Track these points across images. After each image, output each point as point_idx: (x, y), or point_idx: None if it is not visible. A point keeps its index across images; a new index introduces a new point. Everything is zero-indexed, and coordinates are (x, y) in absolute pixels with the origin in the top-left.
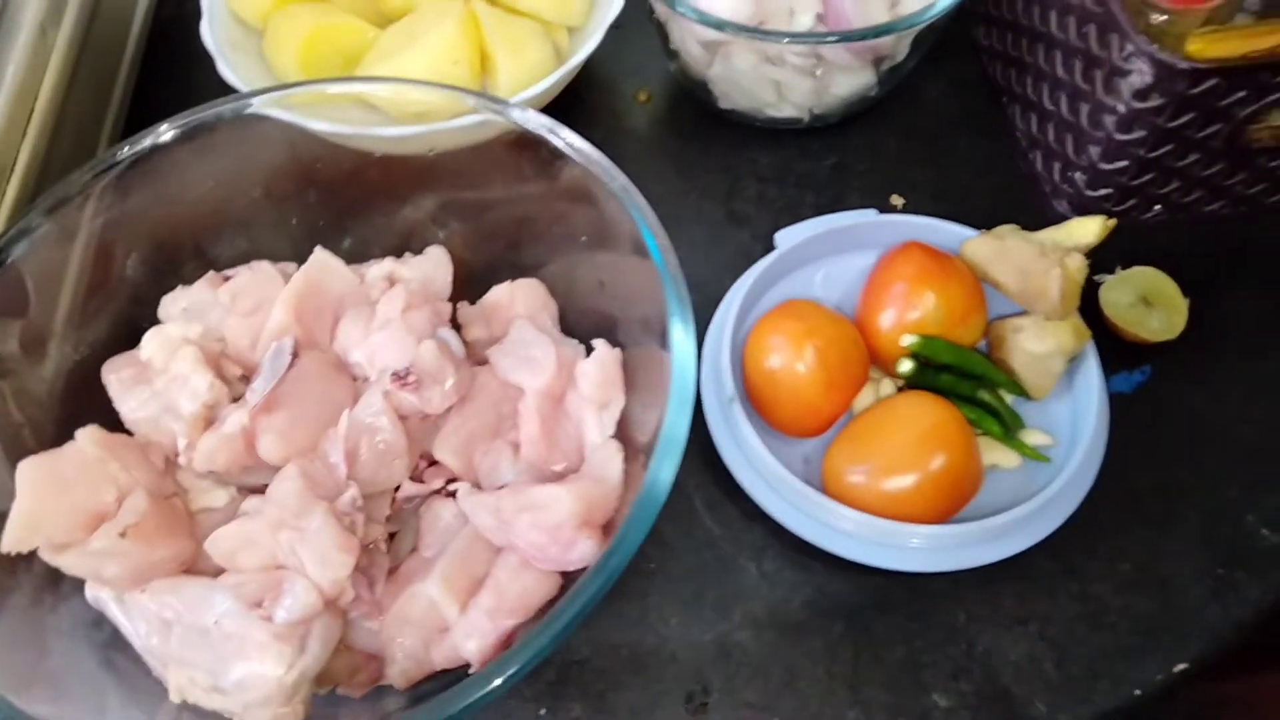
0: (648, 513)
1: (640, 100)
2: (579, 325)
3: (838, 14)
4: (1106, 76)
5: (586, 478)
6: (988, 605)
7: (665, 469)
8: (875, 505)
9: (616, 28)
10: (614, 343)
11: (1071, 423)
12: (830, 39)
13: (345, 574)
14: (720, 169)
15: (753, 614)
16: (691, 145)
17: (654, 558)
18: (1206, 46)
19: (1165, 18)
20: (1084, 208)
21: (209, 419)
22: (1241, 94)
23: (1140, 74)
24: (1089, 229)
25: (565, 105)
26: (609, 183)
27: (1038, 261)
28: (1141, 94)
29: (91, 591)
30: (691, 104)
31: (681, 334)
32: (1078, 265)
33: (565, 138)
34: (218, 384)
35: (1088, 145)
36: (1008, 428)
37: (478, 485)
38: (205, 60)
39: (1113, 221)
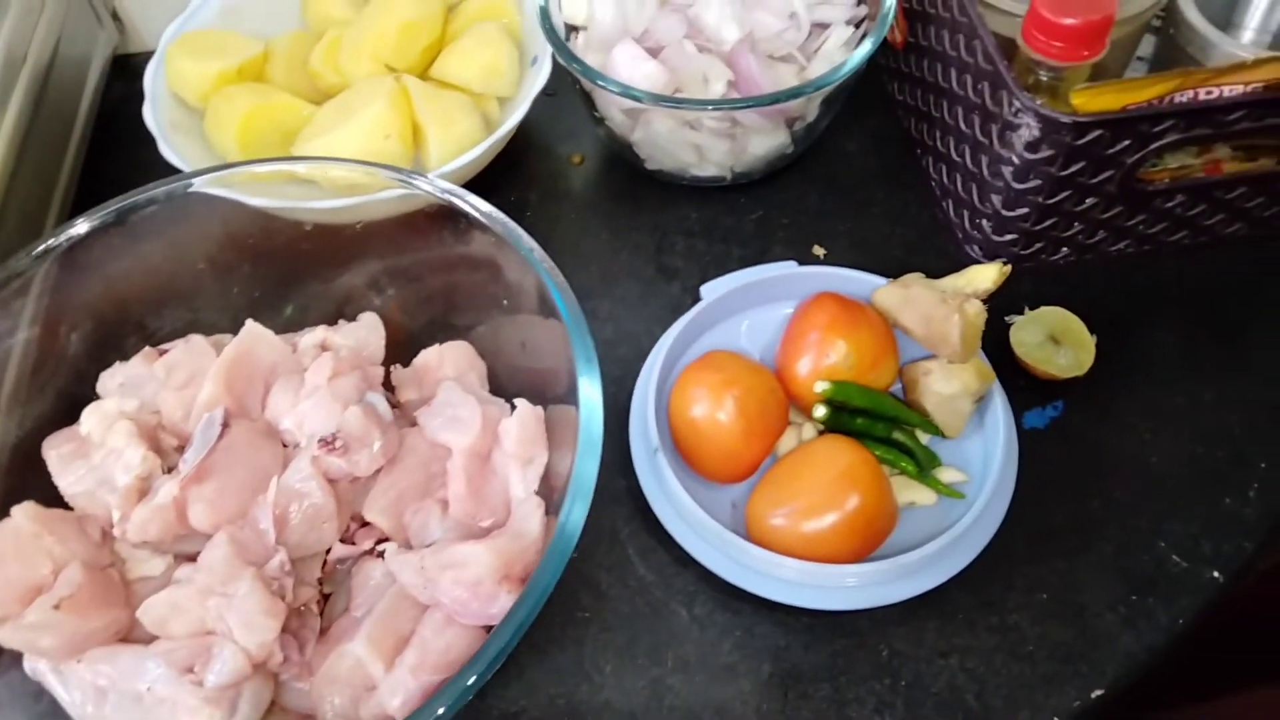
0: (559, 557)
1: (574, 163)
2: (508, 385)
3: (748, 80)
4: (1000, 130)
5: (507, 533)
6: (910, 640)
7: (574, 514)
8: (796, 547)
9: (550, 95)
10: (539, 400)
11: (984, 459)
12: (741, 105)
13: (271, 638)
14: (650, 226)
15: (684, 658)
16: (623, 204)
17: (588, 606)
18: (1088, 101)
19: (1052, 74)
20: (993, 252)
21: (142, 490)
22: (1126, 143)
23: (1028, 128)
24: (986, 275)
25: (503, 170)
26: (518, 246)
27: (939, 308)
28: (1032, 146)
29: (30, 663)
30: (622, 165)
31: (588, 385)
32: (976, 310)
33: (474, 205)
34: (151, 456)
35: (990, 194)
36: (922, 466)
37: (408, 544)
38: (152, 139)
39: (1008, 268)
